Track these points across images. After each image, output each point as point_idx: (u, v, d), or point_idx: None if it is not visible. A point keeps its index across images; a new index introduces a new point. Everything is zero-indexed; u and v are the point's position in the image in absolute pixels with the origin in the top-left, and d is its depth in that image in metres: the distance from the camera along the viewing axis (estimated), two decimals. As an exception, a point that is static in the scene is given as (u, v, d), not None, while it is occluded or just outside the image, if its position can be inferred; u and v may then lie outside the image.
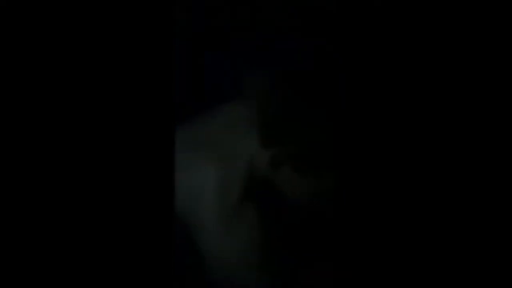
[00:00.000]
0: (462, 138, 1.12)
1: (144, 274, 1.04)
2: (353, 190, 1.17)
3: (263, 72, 1.30)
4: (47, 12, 1.04)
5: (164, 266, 1.04)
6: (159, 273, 1.04)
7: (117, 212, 1.04)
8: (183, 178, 1.24)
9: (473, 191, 1.11)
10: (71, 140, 1.03)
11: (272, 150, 1.26)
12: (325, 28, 1.29)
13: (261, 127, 1.27)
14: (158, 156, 1.05)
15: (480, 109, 1.12)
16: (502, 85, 1.12)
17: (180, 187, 1.22)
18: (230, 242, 1.24)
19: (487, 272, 1.10)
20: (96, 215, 1.03)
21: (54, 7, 1.04)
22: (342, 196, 1.18)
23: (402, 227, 1.12)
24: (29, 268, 1.02)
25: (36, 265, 1.02)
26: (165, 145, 1.06)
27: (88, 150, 1.04)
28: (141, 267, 1.04)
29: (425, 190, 1.12)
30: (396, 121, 1.14)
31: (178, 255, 1.21)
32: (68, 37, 1.04)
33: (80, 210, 1.03)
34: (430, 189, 1.12)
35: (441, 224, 1.12)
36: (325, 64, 1.28)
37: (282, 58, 1.31)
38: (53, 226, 1.02)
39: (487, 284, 1.10)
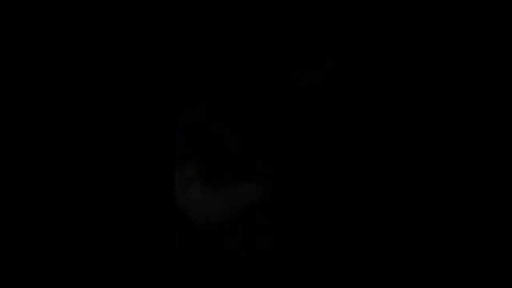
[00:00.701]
0: (454, 137, 1.13)
1: (143, 270, 1.04)
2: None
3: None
4: (47, 12, 1.04)
5: (164, 264, 1.05)
6: (159, 269, 1.04)
7: (116, 211, 1.04)
8: None
9: (471, 190, 1.12)
10: (70, 138, 1.03)
11: (185, 168, 1.25)
12: (325, 28, 1.29)
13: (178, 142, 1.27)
14: (157, 157, 1.05)
15: (480, 109, 1.12)
16: (502, 85, 1.12)
17: None
18: None
19: (487, 271, 1.10)
20: (93, 213, 1.03)
21: (54, 7, 1.05)
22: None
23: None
24: (27, 267, 1.02)
25: (35, 264, 1.02)
26: (164, 145, 1.06)
27: (86, 149, 1.04)
28: (140, 266, 1.04)
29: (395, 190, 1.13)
30: (391, 122, 1.14)
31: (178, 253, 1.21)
32: (67, 36, 1.05)
33: (79, 209, 1.03)
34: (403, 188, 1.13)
35: (421, 221, 1.12)
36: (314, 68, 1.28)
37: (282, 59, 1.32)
38: (52, 226, 1.03)
39: (487, 284, 1.10)
